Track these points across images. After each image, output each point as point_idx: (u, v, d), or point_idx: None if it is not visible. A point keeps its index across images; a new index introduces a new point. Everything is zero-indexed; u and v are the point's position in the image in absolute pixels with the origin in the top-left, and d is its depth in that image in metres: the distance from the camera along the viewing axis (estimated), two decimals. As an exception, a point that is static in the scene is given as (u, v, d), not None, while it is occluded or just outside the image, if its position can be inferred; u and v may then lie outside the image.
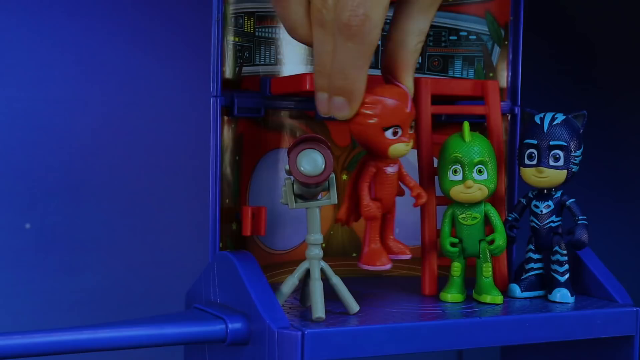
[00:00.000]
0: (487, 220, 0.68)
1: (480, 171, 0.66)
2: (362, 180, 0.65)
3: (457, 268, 0.68)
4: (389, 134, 0.63)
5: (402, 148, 0.64)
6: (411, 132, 0.65)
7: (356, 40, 0.59)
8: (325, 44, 0.61)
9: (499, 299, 0.67)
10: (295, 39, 0.63)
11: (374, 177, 0.65)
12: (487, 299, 0.67)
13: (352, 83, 0.61)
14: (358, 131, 0.64)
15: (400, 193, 0.68)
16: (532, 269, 0.70)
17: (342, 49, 0.60)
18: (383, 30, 0.61)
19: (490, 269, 0.68)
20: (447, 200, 0.69)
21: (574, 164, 0.68)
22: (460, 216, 0.68)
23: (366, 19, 0.59)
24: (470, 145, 0.66)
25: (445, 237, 0.68)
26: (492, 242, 0.67)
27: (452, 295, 0.68)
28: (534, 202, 0.70)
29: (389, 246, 0.67)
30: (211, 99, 0.67)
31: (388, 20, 0.65)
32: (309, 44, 0.62)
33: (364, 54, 0.60)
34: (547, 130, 0.68)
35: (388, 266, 0.66)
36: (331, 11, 0.59)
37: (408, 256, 0.67)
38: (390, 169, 0.66)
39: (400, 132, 0.64)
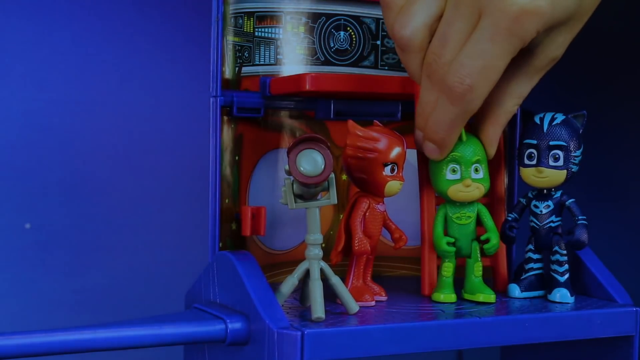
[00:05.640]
0: (478, 220, 0.68)
1: (476, 170, 0.66)
2: (354, 216, 0.66)
3: (448, 268, 0.68)
4: (387, 170, 0.64)
5: (397, 186, 0.65)
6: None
7: (456, 104, 0.61)
8: (429, 93, 0.63)
9: (491, 297, 0.67)
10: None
11: (365, 214, 0.66)
12: (480, 297, 0.67)
13: (444, 136, 0.64)
14: (358, 164, 0.65)
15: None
16: (532, 269, 0.70)
17: (442, 106, 0.62)
18: None
19: (480, 268, 0.68)
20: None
21: (574, 164, 0.68)
22: (455, 216, 0.68)
23: (470, 90, 0.60)
24: (468, 145, 0.66)
25: (440, 237, 0.68)
26: (487, 241, 0.67)
27: (445, 296, 0.68)
28: (533, 202, 0.70)
29: (368, 286, 0.68)
30: (211, 99, 0.67)
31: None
32: None
33: (461, 116, 0.62)
34: (546, 130, 0.68)
35: (372, 303, 0.66)
36: (440, 68, 0.61)
37: (384, 298, 0.68)
38: (381, 207, 0.67)
39: (396, 170, 0.65)
